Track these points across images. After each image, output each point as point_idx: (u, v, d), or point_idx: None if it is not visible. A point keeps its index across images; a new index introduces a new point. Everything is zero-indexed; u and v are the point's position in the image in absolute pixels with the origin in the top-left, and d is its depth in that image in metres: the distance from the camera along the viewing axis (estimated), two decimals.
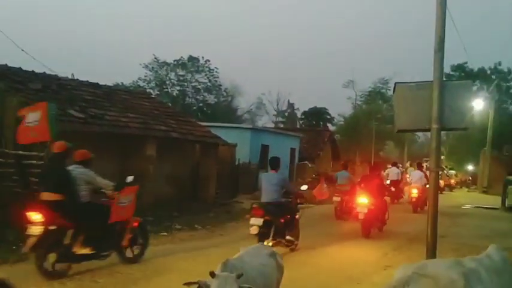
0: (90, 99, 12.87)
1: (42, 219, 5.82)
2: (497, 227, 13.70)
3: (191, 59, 49.13)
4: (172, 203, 12.90)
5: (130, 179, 7.00)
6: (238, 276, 3.04)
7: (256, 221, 7.75)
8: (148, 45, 76.11)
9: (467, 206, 21.25)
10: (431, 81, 5.07)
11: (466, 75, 41.53)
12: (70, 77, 15.01)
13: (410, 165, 25.07)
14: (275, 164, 8.52)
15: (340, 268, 7.44)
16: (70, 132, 10.41)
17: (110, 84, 18.85)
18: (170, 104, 32.06)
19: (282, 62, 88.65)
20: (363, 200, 10.37)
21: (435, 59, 5.10)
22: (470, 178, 42.34)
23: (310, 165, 28.21)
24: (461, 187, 40.04)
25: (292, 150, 26.66)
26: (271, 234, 7.85)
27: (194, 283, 3.12)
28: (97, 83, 14.81)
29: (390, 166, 21.38)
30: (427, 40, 5.59)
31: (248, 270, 3.35)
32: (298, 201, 8.99)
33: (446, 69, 47.96)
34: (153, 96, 24.05)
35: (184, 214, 12.17)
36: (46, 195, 6.12)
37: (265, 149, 22.96)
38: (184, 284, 3.14)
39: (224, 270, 3.21)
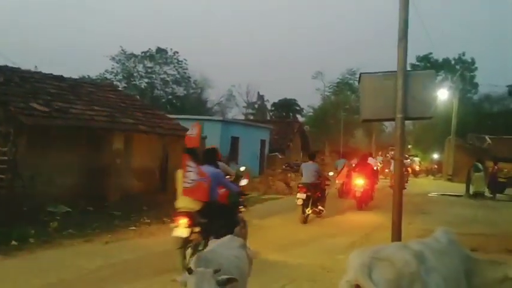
0: (55, 92, 12.53)
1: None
2: (461, 214, 14.10)
3: (159, 50, 48.46)
4: (141, 196, 12.75)
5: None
6: (215, 271, 3.02)
7: (301, 196, 11.21)
8: (115, 37, 74.75)
9: (433, 194, 21.78)
10: (396, 72, 5.14)
11: (431, 65, 42.45)
12: (33, 70, 14.59)
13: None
14: (313, 155, 12.95)
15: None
16: (34, 127, 10.17)
17: (75, 77, 18.40)
18: (138, 97, 31.58)
19: (252, 54, 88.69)
20: (359, 182, 13.66)
21: (399, 49, 5.17)
22: (436, 166, 43.34)
23: (280, 156, 28.40)
24: (427, 175, 40.98)
25: (263, 141, 26.76)
26: (310, 204, 11.35)
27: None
28: (61, 76, 14.43)
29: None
30: (393, 31, 5.64)
31: (223, 262, 3.33)
32: (326, 182, 12.79)
33: (412, 60, 49.02)
34: (120, 88, 23.64)
35: (154, 208, 12.02)
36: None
37: (235, 141, 22.96)
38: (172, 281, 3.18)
39: (198, 264, 3.15)
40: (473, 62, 52.72)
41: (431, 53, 50.06)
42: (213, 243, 3.96)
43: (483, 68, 72.15)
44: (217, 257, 3.41)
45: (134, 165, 13.44)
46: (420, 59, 51.76)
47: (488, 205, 17.19)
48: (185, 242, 6.16)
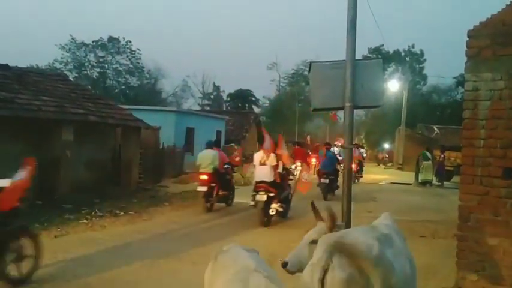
0: None
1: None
2: (411, 201, 14.60)
3: (111, 39, 47.13)
4: (92, 188, 12.44)
5: None
6: None
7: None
8: (64, 26, 72.12)
9: (384, 182, 22.44)
10: (345, 61, 5.21)
11: (382, 57, 43.39)
12: None
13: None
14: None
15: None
16: None
17: (22, 66, 17.62)
18: (90, 87, 30.67)
19: (207, 43, 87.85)
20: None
21: (348, 39, 5.24)
22: (387, 156, 44.60)
23: (236, 147, 28.37)
24: (378, 164, 42.10)
25: (218, 132, 26.66)
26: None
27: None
28: (6, 65, 13.78)
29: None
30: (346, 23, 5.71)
31: None
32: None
33: (364, 52, 49.96)
34: (69, 78, 22.84)
35: (106, 200, 11.77)
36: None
37: (190, 131, 22.75)
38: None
39: None
40: (422, 54, 54.31)
41: (382, 45, 51.29)
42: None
43: (432, 60, 74.77)
44: None
45: (85, 157, 13.10)
46: (372, 50, 52.88)
47: (437, 193, 17.88)
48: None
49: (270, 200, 9.68)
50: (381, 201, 14.34)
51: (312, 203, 3.60)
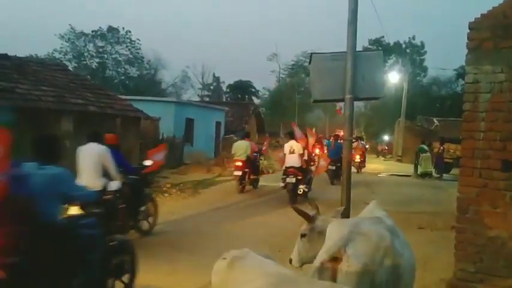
0: None
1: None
2: (410, 193, 14.63)
3: (111, 29, 46.99)
4: None
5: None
6: None
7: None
8: (63, 15, 71.79)
9: (383, 174, 22.48)
10: (345, 52, 5.20)
11: (382, 48, 43.30)
12: None
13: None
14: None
15: None
16: None
17: (21, 56, 17.56)
18: (89, 77, 30.58)
19: (207, 34, 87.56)
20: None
21: (348, 30, 5.23)
22: (386, 147, 44.59)
23: (236, 138, 28.37)
24: (377, 156, 42.12)
25: (218, 123, 26.62)
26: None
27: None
28: (6, 54, 13.72)
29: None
30: (347, 14, 5.71)
31: None
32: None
33: (365, 43, 49.91)
34: (69, 68, 22.77)
35: None
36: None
37: (190, 122, 22.72)
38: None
39: None
40: (422, 46, 54.24)
41: (382, 37, 51.18)
42: None
43: (432, 51, 74.52)
44: None
45: None
46: (372, 42, 52.79)
47: (435, 185, 17.89)
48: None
49: (298, 182, 11.55)
50: (379, 193, 14.33)
51: (295, 208, 3.57)
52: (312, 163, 13.47)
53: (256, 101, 54.08)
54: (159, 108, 20.20)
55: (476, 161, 4.81)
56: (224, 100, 50.65)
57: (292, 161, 11.72)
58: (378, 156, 41.91)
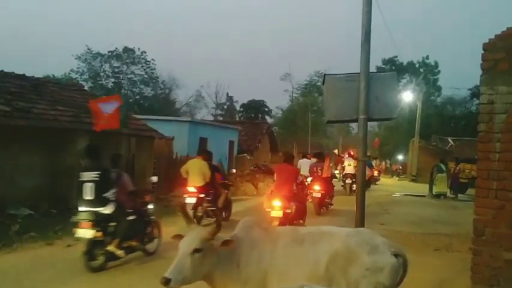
0: (16, 91, 12.18)
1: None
2: (424, 214, 14.44)
3: (126, 50, 47.73)
4: None
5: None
6: None
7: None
8: (81, 36, 73.24)
9: (398, 194, 22.25)
10: (359, 73, 5.23)
11: (396, 68, 43.30)
12: None
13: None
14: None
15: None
16: None
17: (39, 76, 17.92)
18: (104, 97, 30.92)
19: (220, 55, 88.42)
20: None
21: (362, 51, 5.26)
22: (401, 167, 44.25)
23: (249, 157, 28.39)
24: (392, 176, 41.78)
25: (231, 142, 26.70)
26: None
27: None
28: (24, 75, 14.05)
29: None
30: (359, 34, 5.76)
31: None
32: None
33: (378, 63, 49.94)
34: (85, 88, 23.14)
35: None
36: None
37: (203, 141, 22.81)
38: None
39: None
40: (436, 65, 54.04)
41: (396, 57, 51.16)
42: None
43: (446, 71, 74.32)
44: None
45: None
46: (385, 62, 52.80)
47: (451, 205, 17.65)
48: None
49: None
50: (393, 213, 14.20)
51: (182, 206, 3.47)
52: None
53: (269, 120, 54.15)
54: (173, 127, 20.35)
55: (492, 182, 4.76)
56: (237, 119, 50.83)
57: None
58: (392, 176, 41.58)
